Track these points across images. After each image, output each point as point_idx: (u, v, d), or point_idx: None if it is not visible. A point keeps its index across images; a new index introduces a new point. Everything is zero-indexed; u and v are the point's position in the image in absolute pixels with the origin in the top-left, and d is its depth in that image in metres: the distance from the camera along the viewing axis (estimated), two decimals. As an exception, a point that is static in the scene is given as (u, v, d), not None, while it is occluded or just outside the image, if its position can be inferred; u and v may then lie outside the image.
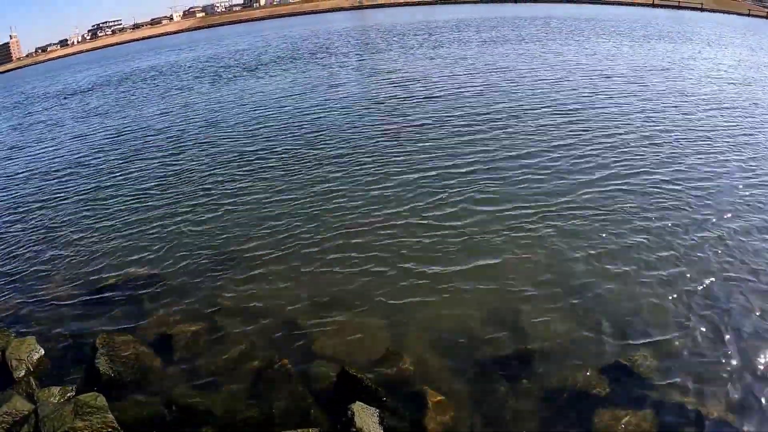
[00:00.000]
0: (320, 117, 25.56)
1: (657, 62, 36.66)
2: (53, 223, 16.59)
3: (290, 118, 26.19)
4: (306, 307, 10.76)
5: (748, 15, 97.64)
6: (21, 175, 23.08)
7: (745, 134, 19.86)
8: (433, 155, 18.34)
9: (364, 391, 8.20)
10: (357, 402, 7.72)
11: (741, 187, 15.02)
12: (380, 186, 16.08)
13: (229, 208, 15.77)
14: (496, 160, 17.37)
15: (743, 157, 17.44)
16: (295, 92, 33.05)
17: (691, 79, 30.85)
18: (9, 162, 26.26)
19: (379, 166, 17.71)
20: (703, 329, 9.44)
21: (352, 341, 9.70)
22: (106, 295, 11.93)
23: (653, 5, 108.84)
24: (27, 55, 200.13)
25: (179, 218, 15.48)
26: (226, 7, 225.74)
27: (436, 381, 8.69)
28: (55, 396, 8.68)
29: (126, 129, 29.21)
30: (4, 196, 20.55)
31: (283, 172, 18.24)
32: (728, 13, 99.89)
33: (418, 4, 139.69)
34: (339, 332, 9.94)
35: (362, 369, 8.82)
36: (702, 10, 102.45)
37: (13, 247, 15.21)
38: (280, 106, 29.48)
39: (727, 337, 9.25)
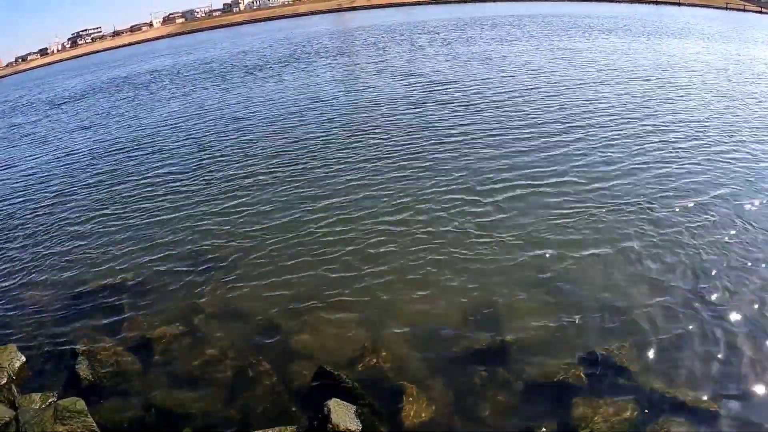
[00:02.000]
0: (306, 120, 25.58)
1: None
2: (31, 230, 16.58)
3: (276, 120, 26.38)
4: (283, 306, 10.84)
5: (726, 8, 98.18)
6: (1, 183, 23.04)
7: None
8: (413, 155, 18.53)
9: (342, 387, 8.31)
10: (333, 399, 7.81)
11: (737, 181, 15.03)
12: (355, 186, 16.20)
13: (206, 211, 15.83)
14: (472, 158, 17.57)
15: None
16: (284, 95, 33.02)
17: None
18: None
19: (353, 169, 17.77)
20: (680, 318, 9.60)
21: (330, 339, 9.81)
22: (86, 300, 11.98)
23: (632, 1, 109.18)
24: (7, 65, 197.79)
25: (157, 223, 15.52)
26: (206, 12, 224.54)
27: (414, 376, 8.80)
28: (36, 402, 8.71)
29: (105, 136, 29.13)
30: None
31: (258, 175, 18.31)
32: (707, 6, 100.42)
33: (399, 5, 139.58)
34: (316, 330, 10.04)
35: (340, 366, 8.94)
36: (680, 4, 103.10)
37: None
38: (270, 108, 29.55)
39: (704, 324, 9.40)
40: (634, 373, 8.48)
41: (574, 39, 48.51)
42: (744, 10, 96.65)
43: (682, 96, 24.91)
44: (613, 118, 21.35)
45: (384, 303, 10.65)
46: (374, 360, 9.14)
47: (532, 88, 27.27)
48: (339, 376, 8.46)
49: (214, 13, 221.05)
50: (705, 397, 7.94)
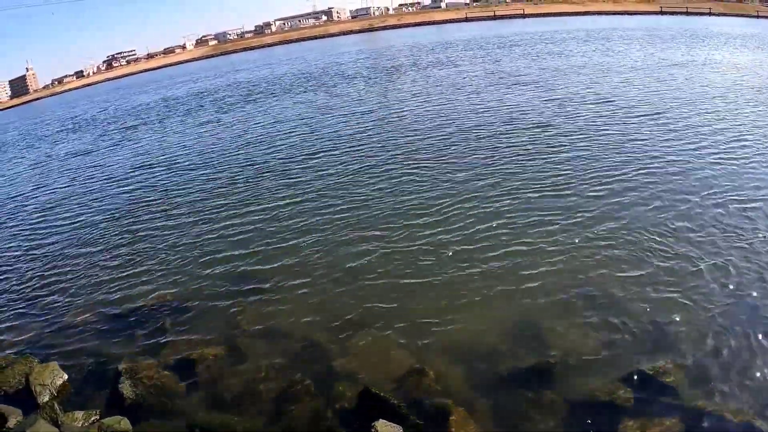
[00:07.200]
0: (349, 138, 25.53)
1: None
2: (74, 249, 16.80)
3: (318, 138, 26.35)
4: (326, 327, 10.76)
5: (757, 17, 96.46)
6: (44, 201, 23.52)
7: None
8: (449, 173, 18.41)
9: (387, 408, 8.18)
10: (380, 420, 7.71)
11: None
12: (398, 207, 16.08)
13: (249, 231, 15.84)
14: (514, 177, 17.38)
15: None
16: (332, 113, 33.02)
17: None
18: (34, 187, 26.83)
19: (398, 188, 17.65)
20: (728, 336, 9.31)
21: (374, 359, 9.69)
22: (128, 319, 12.03)
23: (661, 13, 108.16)
24: (44, 87, 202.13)
25: (199, 242, 15.61)
26: (238, 35, 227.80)
27: (459, 396, 8.65)
28: (79, 420, 8.72)
29: (148, 154, 29.67)
30: (27, 221, 21.02)
31: (299, 197, 18.21)
32: (738, 16, 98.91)
33: (430, 23, 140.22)
34: (360, 351, 9.94)
35: (384, 386, 8.83)
36: (710, 14, 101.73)
37: (36, 273, 15.41)
38: (317, 127, 29.41)
39: (752, 342, 9.12)
40: (682, 392, 8.27)
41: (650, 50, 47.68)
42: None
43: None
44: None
45: (427, 323, 10.49)
46: (419, 380, 8.99)
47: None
48: (384, 397, 8.34)
49: (246, 35, 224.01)
50: (754, 417, 7.69)
